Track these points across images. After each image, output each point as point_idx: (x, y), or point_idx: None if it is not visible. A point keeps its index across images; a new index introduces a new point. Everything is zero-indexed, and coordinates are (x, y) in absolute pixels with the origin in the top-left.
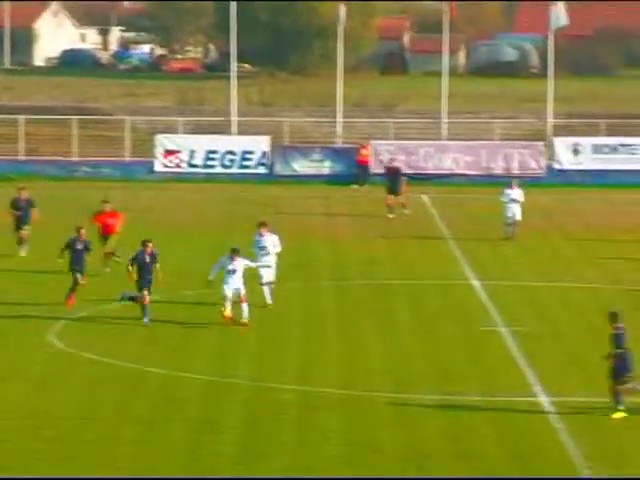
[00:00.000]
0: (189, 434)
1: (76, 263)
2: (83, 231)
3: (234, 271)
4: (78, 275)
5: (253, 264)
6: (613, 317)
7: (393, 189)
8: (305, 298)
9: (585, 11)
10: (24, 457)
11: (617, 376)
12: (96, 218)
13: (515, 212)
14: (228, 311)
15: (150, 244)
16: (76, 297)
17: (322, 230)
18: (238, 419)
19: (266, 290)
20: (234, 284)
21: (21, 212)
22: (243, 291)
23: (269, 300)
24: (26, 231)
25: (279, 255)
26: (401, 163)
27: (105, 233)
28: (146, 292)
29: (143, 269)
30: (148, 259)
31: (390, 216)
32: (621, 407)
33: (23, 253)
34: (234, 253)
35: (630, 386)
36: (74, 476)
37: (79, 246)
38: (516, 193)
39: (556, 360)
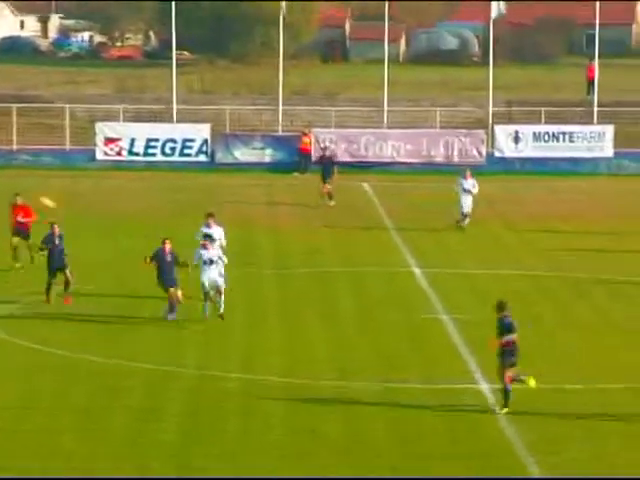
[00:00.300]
0: (130, 422)
1: (55, 260)
2: (56, 226)
3: (210, 261)
4: (57, 272)
5: (225, 258)
6: (500, 307)
7: (325, 177)
8: (248, 287)
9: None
10: None
11: (505, 360)
12: (12, 210)
13: (466, 203)
14: (202, 305)
15: (168, 242)
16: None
17: (264, 218)
18: (181, 407)
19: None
20: (211, 274)
21: None
22: (220, 282)
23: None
24: None
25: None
26: (342, 151)
27: (19, 228)
28: (173, 290)
29: (163, 267)
30: (169, 257)
31: (331, 204)
32: (523, 378)
33: None
34: (206, 240)
35: (513, 375)
36: (75, 476)
37: (56, 241)
38: (469, 183)
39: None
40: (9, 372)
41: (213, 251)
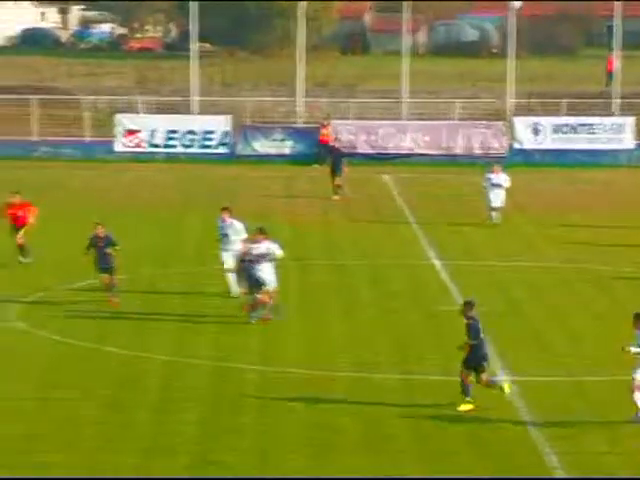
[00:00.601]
0: (151, 414)
1: (101, 262)
2: (100, 227)
3: (263, 256)
4: (104, 275)
5: (279, 251)
6: (468, 307)
7: (335, 170)
8: None
9: None
10: None
11: (466, 366)
12: (6, 210)
13: (497, 198)
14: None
15: (248, 242)
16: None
17: (283, 210)
18: (200, 399)
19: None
20: (264, 272)
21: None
22: (274, 285)
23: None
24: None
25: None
26: (362, 142)
27: (17, 225)
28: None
29: (245, 271)
30: (250, 257)
31: (345, 192)
32: (469, 399)
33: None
34: (259, 233)
35: (485, 377)
36: (76, 476)
37: (100, 244)
38: (501, 178)
39: (517, 339)
40: (30, 363)
41: (266, 244)
